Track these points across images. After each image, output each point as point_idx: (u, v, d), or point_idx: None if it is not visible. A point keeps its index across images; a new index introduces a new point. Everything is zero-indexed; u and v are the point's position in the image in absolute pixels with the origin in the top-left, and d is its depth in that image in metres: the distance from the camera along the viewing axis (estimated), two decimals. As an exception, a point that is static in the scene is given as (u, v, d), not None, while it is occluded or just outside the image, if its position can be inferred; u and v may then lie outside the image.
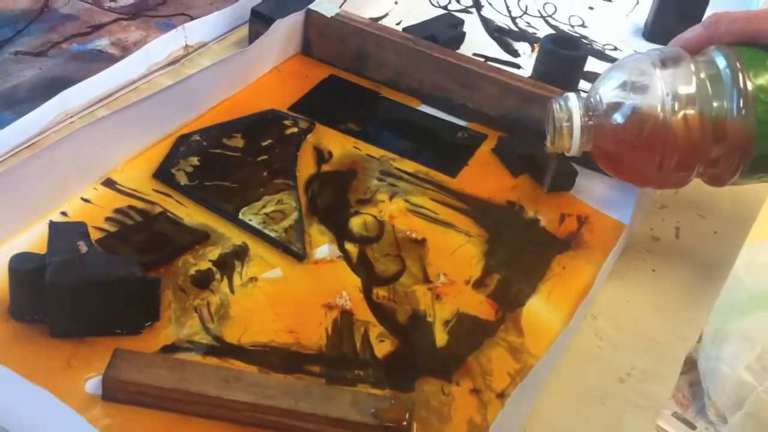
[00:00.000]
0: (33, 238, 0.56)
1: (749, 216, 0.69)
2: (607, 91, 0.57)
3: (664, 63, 0.55)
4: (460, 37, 0.86)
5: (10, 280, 0.50)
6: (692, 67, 0.55)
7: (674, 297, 0.60)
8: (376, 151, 0.69)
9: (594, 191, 0.68)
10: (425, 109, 0.75)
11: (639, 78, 0.55)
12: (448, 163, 0.69)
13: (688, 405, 0.53)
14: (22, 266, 0.49)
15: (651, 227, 0.66)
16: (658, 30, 0.92)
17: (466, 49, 0.85)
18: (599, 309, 0.58)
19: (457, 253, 0.61)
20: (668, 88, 0.54)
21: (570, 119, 0.57)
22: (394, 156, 0.69)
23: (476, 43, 0.87)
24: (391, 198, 0.65)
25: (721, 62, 0.54)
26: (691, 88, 0.54)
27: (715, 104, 0.54)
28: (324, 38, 0.78)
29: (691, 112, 0.54)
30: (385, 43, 0.75)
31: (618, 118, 0.56)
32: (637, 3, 0.99)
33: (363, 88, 0.77)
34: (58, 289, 0.49)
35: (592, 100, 0.58)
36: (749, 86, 0.53)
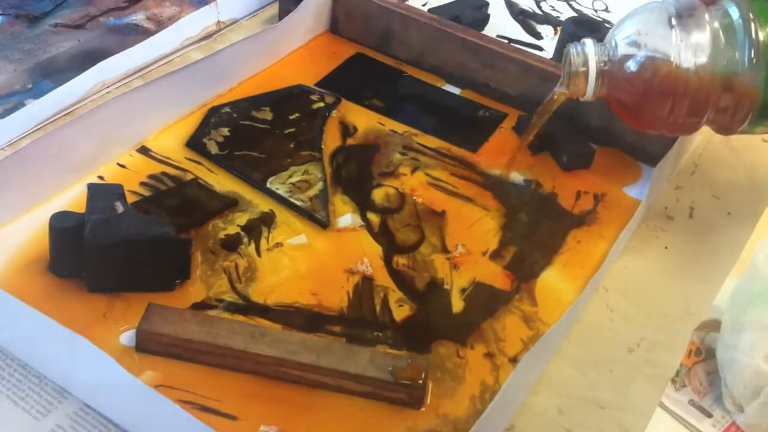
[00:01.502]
0: (72, 199, 0.59)
1: (763, 197, 0.70)
2: (623, 38, 0.59)
3: (680, 12, 0.57)
4: (485, 19, 0.87)
5: (51, 238, 0.53)
6: (706, 17, 0.57)
7: (685, 273, 0.62)
8: (399, 127, 0.71)
9: (611, 170, 0.70)
10: (448, 88, 0.77)
11: (654, 26, 0.57)
12: (469, 139, 0.71)
13: (704, 393, 0.54)
14: (62, 224, 0.52)
15: (665, 206, 0.68)
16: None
17: (490, 30, 0.87)
18: (612, 282, 0.60)
19: (475, 225, 0.63)
20: (682, 37, 0.56)
21: (586, 64, 0.59)
22: (416, 131, 0.71)
23: (500, 25, 0.89)
24: (412, 171, 0.67)
25: (734, 12, 0.56)
26: (705, 38, 0.56)
27: (727, 54, 0.55)
28: (351, 17, 0.80)
29: (703, 60, 0.56)
30: (410, 22, 0.77)
31: (632, 65, 0.58)
32: (662, -11, 1.00)
33: (388, 66, 0.79)
34: (96, 247, 0.51)
35: (608, 46, 0.59)
36: (761, 36, 0.55)
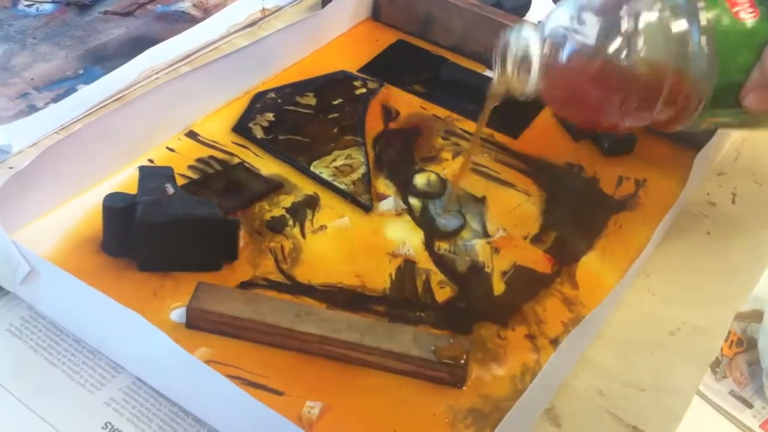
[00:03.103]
0: (123, 181, 0.61)
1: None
2: (564, 23, 0.51)
3: None
4: (527, 5, 0.87)
5: (104, 218, 0.55)
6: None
7: (727, 259, 0.62)
8: (441, 112, 0.72)
9: (653, 155, 0.70)
10: (489, 74, 0.78)
11: (598, 9, 0.51)
12: (511, 125, 0.72)
13: (745, 383, 0.54)
14: (115, 205, 0.54)
15: (708, 192, 0.68)
16: None
17: (532, 16, 0.87)
18: (653, 267, 0.61)
19: (516, 210, 0.64)
20: (630, 22, 0.49)
21: (527, 55, 0.52)
22: (458, 117, 0.72)
23: (543, 10, 0.89)
24: (454, 157, 0.68)
25: None
26: (652, 20, 0.49)
27: (674, 38, 0.49)
28: (392, 4, 0.81)
29: (651, 48, 0.49)
30: (451, 8, 0.77)
31: (574, 53, 0.51)
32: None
33: (429, 52, 0.80)
34: (147, 227, 0.53)
35: (547, 32, 0.52)
36: (709, 17, 0.49)
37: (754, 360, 0.56)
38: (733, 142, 0.73)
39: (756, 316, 0.58)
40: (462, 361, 0.50)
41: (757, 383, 0.54)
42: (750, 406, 0.53)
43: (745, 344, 0.57)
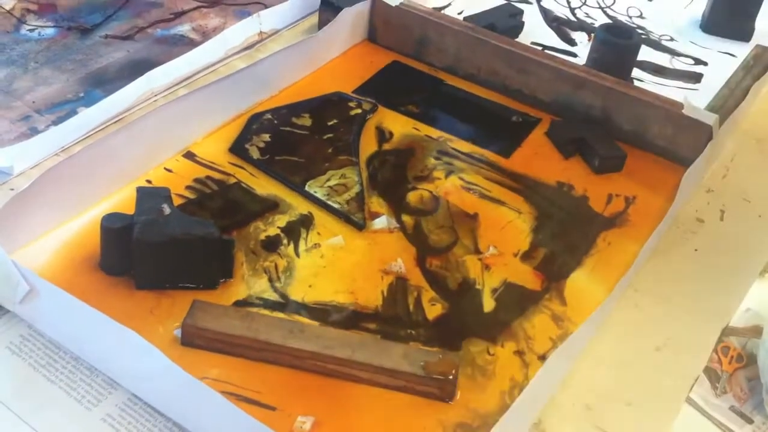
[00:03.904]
0: (121, 201, 0.62)
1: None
2: None
3: None
4: (519, 27, 0.89)
5: (102, 237, 0.56)
6: None
7: (713, 275, 0.63)
8: (434, 132, 0.74)
9: (642, 173, 0.71)
10: (483, 94, 0.79)
11: None
12: (503, 144, 0.73)
13: (745, 399, 0.54)
14: (113, 225, 0.55)
15: (696, 209, 0.69)
16: (714, 22, 0.94)
17: (525, 38, 0.89)
18: (641, 283, 0.62)
19: (507, 227, 0.65)
20: None
21: None
22: (451, 137, 0.73)
23: (535, 32, 0.90)
24: (446, 176, 0.69)
25: None
26: None
27: None
28: (388, 26, 0.83)
29: None
30: (445, 30, 0.79)
31: None
32: (697, -5, 1.01)
33: (424, 73, 0.81)
34: (144, 246, 0.54)
35: None
36: None
37: (753, 375, 0.56)
38: (723, 160, 0.75)
39: (755, 331, 0.58)
40: (451, 377, 0.51)
41: (757, 399, 0.54)
42: (750, 421, 0.54)
43: (745, 360, 0.57)
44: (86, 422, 0.48)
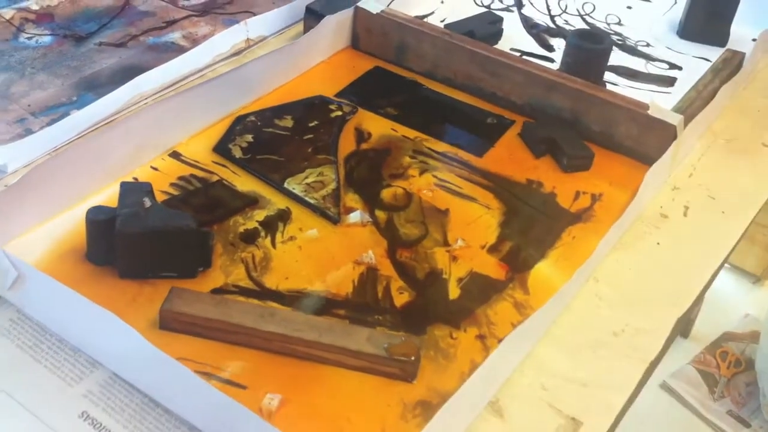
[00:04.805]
0: (108, 197, 0.65)
1: (760, 193, 0.74)
2: None
3: None
4: (499, 33, 0.92)
5: (87, 229, 0.60)
6: None
7: (673, 267, 0.66)
8: (411, 133, 0.77)
9: (610, 172, 0.74)
10: (459, 97, 0.82)
11: None
12: (477, 144, 0.76)
13: (743, 403, 0.55)
14: (97, 217, 0.59)
15: (661, 205, 0.72)
16: (690, 28, 0.97)
17: (504, 44, 0.92)
18: (602, 274, 0.65)
19: (476, 222, 0.68)
20: None
21: None
22: (426, 137, 0.76)
23: (514, 39, 0.94)
24: (421, 173, 0.72)
25: None
26: None
27: None
28: (370, 33, 0.86)
29: None
30: (423, 36, 0.83)
31: None
32: (675, 3, 1.04)
33: (403, 78, 0.85)
34: (126, 237, 0.58)
35: None
36: None
37: (751, 380, 0.57)
38: (690, 159, 0.78)
39: (753, 337, 0.59)
40: (413, 358, 0.54)
41: (755, 403, 0.56)
42: (748, 425, 0.55)
43: (743, 365, 0.58)
44: (68, 397, 0.51)
